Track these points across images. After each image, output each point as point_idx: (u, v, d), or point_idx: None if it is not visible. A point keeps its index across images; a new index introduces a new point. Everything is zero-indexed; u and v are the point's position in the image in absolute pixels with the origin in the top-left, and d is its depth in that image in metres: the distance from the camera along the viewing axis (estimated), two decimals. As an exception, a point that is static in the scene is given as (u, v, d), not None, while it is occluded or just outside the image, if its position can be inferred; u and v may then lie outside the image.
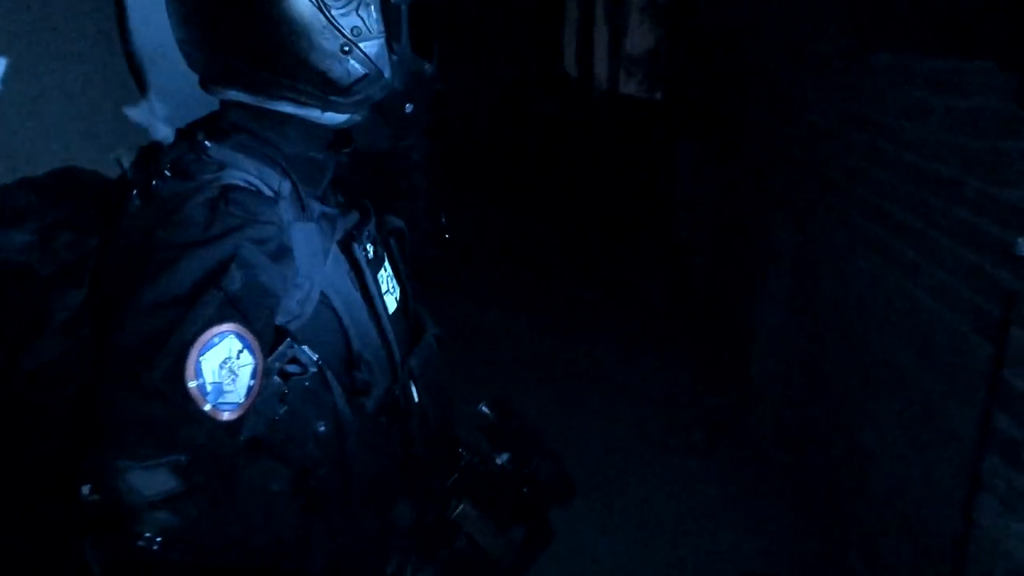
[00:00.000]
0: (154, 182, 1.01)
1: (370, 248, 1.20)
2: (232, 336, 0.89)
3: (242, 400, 0.90)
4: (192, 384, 0.86)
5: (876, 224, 2.66)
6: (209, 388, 0.87)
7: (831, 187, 3.06)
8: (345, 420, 1.06)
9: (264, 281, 0.96)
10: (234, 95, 1.11)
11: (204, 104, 1.16)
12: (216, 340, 0.88)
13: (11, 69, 1.27)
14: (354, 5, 1.07)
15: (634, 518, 3.24)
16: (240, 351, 0.90)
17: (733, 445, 3.77)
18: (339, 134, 1.18)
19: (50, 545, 1.04)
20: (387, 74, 1.11)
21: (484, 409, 1.40)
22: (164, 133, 1.60)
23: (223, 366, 0.88)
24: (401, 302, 1.28)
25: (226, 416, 0.89)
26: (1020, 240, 1.84)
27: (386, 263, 1.26)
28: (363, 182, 1.38)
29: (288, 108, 1.11)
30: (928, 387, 2.29)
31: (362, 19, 1.08)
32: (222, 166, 1.04)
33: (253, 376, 0.91)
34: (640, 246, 6.47)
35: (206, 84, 1.14)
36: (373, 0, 1.09)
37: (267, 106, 1.10)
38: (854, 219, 2.84)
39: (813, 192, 3.24)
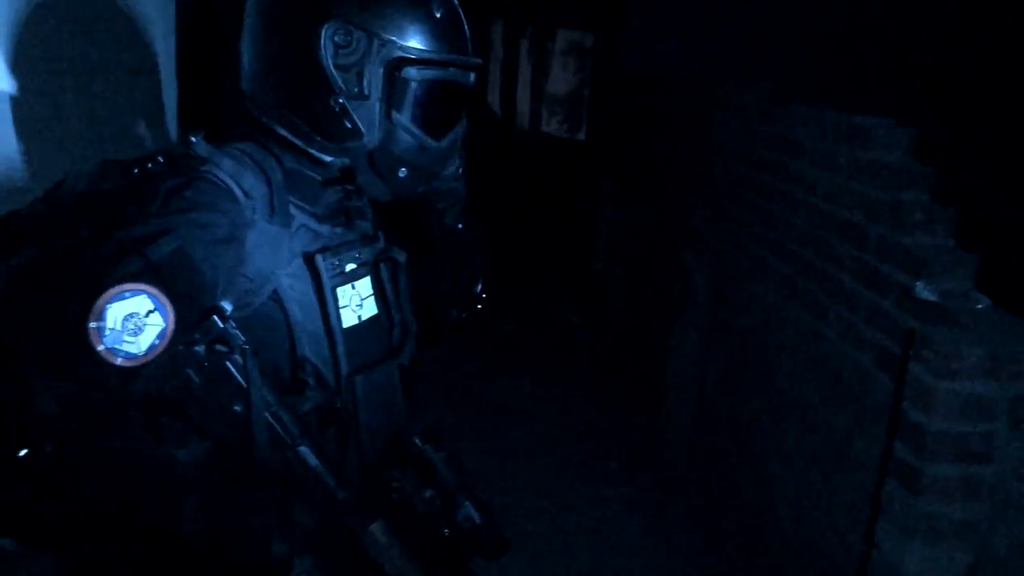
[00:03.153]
0: (150, 165, 1.15)
1: (349, 265, 1.30)
2: (144, 296, 1.00)
3: (141, 353, 1.01)
4: (93, 324, 0.97)
5: (788, 265, 2.82)
6: (107, 332, 0.98)
7: (746, 227, 3.22)
8: (257, 407, 1.13)
9: (195, 258, 1.07)
10: (256, 112, 1.27)
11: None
12: (128, 295, 0.99)
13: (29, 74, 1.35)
14: (356, 68, 1.19)
15: (550, 544, 3.29)
16: (151, 311, 1.01)
17: (648, 474, 3.88)
18: (347, 168, 1.28)
19: None
20: (366, 137, 1.22)
21: (416, 441, 1.41)
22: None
23: (129, 319, 0.99)
24: (372, 322, 1.35)
25: (119, 362, 0.99)
26: (919, 283, 1.99)
27: (360, 283, 1.33)
28: (396, 218, 1.49)
29: (284, 133, 1.24)
30: (833, 419, 2.43)
31: (359, 82, 1.20)
32: (204, 161, 1.16)
33: (160, 337, 1.02)
34: (560, 280, 6.60)
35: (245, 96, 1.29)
36: (375, 69, 1.19)
37: (272, 127, 1.24)
38: (767, 259, 3.00)
39: (728, 231, 3.41)
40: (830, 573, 2.38)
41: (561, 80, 8.95)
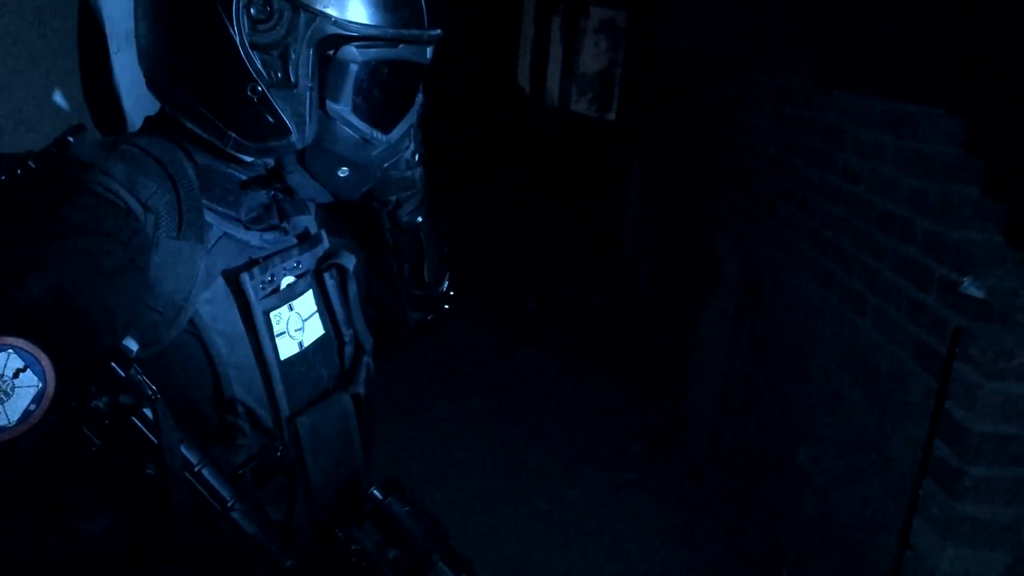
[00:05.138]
0: (18, 171, 0.93)
1: (285, 280, 1.10)
2: (9, 352, 0.79)
3: (11, 424, 0.79)
4: None
5: (823, 254, 2.76)
6: None
7: (779, 215, 3.16)
8: (173, 468, 0.92)
9: (78, 296, 0.85)
10: (159, 99, 1.05)
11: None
12: None
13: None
14: (278, 49, 0.95)
15: (571, 528, 3.28)
16: (20, 370, 0.79)
17: (671, 460, 3.85)
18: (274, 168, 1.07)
19: None
20: (294, 134, 0.99)
21: (375, 493, 1.16)
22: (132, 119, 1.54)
23: None
24: (318, 346, 1.15)
25: None
26: (966, 280, 1.94)
27: (300, 301, 1.12)
28: (343, 210, 1.26)
29: (191, 127, 1.01)
30: (867, 414, 2.39)
31: (283, 66, 0.96)
32: (87, 167, 0.95)
33: (37, 400, 0.80)
34: (586, 260, 6.55)
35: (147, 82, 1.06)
36: (303, 49, 0.95)
37: (178, 117, 1.01)
38: (801, 247, 2.94)
39: (760, 218, 3.34)
40: (859, 571, 2.35)
41: (592, 58, 8.85)
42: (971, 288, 1.93)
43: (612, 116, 8.16)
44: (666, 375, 4.43)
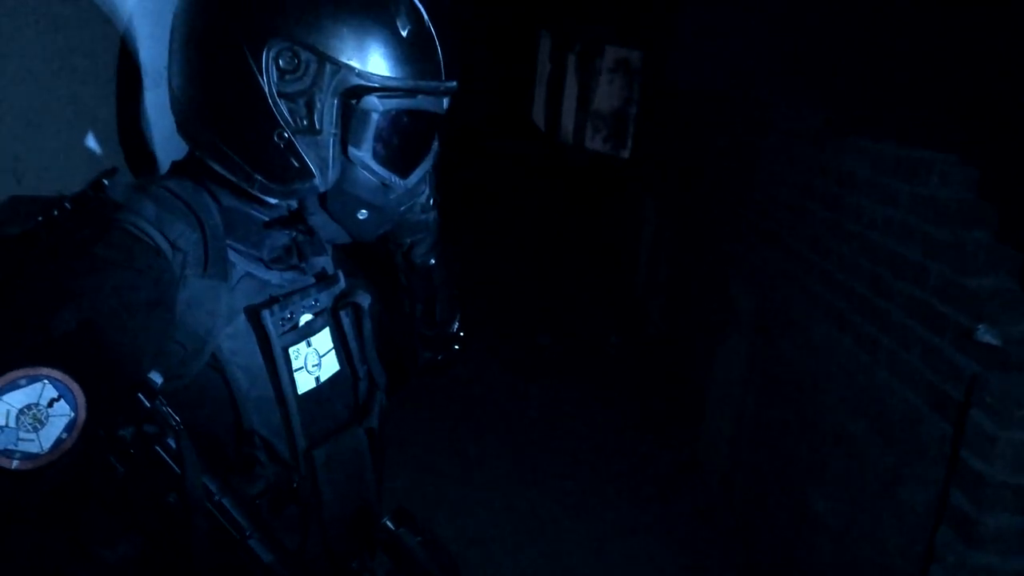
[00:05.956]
0: (55, 212, 0.98)
1: (304, 317, 1.14)
2: (44, 382, 0.83)
3: (44, 451, 0.83)
4: None
5: (837, 296, 2.76)
6: None
7: (792, 255, 3.17)
8: (194, 496, 0.95)
9: (109, 329, 0.90)
10: (188, 144, 1.10)
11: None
12: (23, 383, 0.83)
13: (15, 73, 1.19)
14: (305, 98, 1.00)
15: (581, 567, 3.25)
16: (55, 399, 0.84)
17: (683, 500, 3.82)
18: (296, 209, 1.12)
19: None
20: (318, 177, 1.03)
21: (387, 523, 1.18)
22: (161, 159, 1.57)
23: (26, 412, 0.83)
24: (333, 381, 1.18)
25: (15, 465, 0.82)
26: (980, 327, 1.94)
27: (317, 337, 1.16)
28: (358, 252, 1.29)
29: (219, 170, 1.05)
30: (882, 459, 2.37)
31: (308, 114, 1.01)
32: (120, 207, 1.00)
33: (68, 429, 0.84)
34: (600, 297, 6.56)
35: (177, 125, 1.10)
36: (328, 99, 1.00)
37: (205, 161, 1.06)
38: (814, 289, 2.94)
39: (775, 258, 3.35)
40: (874, 618, 2.32)
41: (607, 96, 8.93)
42: (986, 335, 1.93)
43: (626, 154, 8.20)
44: (678, 414, 4.41)
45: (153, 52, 1.54)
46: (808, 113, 3.19)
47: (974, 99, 2.21)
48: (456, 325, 1.45)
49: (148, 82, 1.53)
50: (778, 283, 3.31)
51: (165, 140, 1.52)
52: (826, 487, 2.72)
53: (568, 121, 10.04)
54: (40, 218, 0.97)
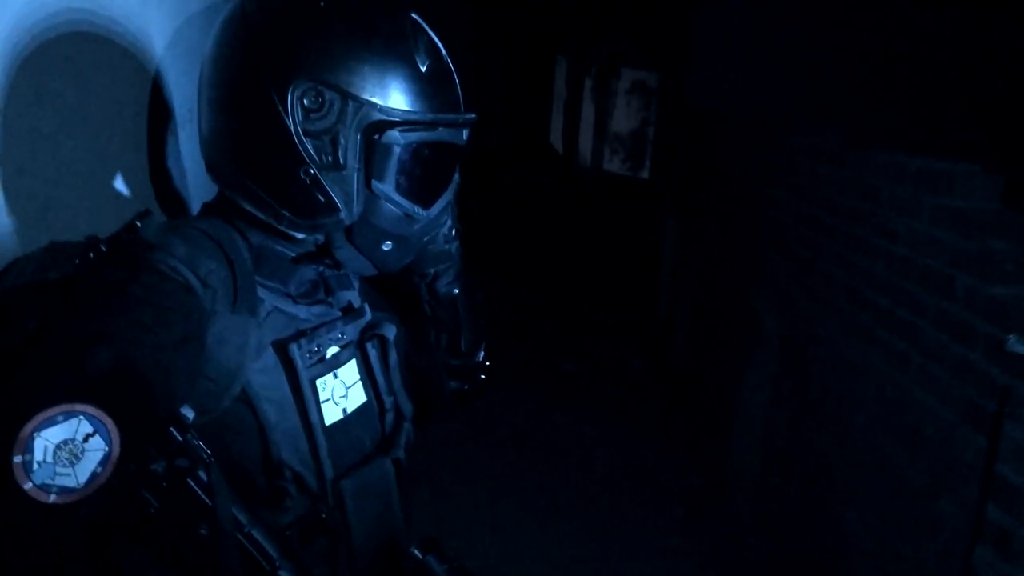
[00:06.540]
0: (91, 254, 1.01)
1: (331, 350, 1.15)
2: (80, 418, 0.85)
3: (80, 486, 0.84)
4: (18, 459, 0.82)
5: (865, 312, 2.73)
6: (36, 467, 0.83)
7: (817, 272, 3.14)
8: (225, 528, 0.96)
9: (143, 366, 0.92)
10: (217, 183, 1.14)
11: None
12: (60, 419, 0.84)
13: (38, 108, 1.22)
14: (329, 135, 1.04)
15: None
16: (89, 434, 0.85)
17: (712, 524, 3.77)
18: (323, 243, 1.15)
19: None
20: (343, 211, 1.07)
21: (415, 552, 1.17)
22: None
23: (63, 447, 0.84)
24: (360, 412, 1.20)
25: (52, 499, 0.83)
26: (1011, 337, 1.90)
27: (344, 369, 1.18)
28: (383, 284, 1.32)
29: (248, 207, 1.09)
30: (916, 476, 2.33)
31: (333, 150, 1.04)
32: (152, 248, 1.02)
33: (103, 463, 0.86)
34: (623, 320, 6.53)
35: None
36: (351, 135, 1.04)
37: (234, 199, 1.10)
38: (841, 305, 2.91)
39: (799, 276, 3.32)
40: (913, 639, 2.26)
41: (624, 118, 8.95)
42: (1017, 346, 1.90)
43: (645, 175, 8.20)
44: (706, 436, 4.36)
45: (183, 95, 1.58)
46: (828, 129, 3.18)
47: (996, 108, 2.19)
48: (482, 354, 1.45)
49: (178, 124, 1.57)
50: (803, 300, 3.28)
51: (195, 180, 1.55)
52: (860, 507, 2.67)
53: (586, 144, 10.08)
54: (77, 261, 1.01)
